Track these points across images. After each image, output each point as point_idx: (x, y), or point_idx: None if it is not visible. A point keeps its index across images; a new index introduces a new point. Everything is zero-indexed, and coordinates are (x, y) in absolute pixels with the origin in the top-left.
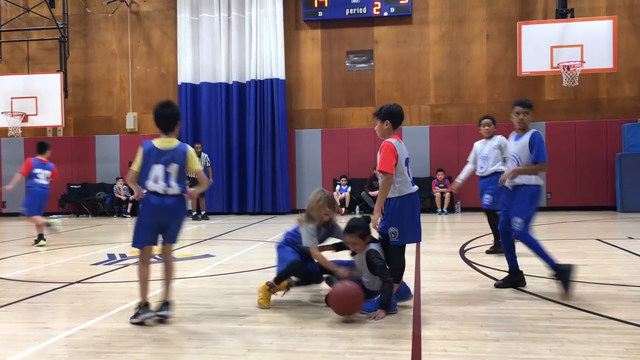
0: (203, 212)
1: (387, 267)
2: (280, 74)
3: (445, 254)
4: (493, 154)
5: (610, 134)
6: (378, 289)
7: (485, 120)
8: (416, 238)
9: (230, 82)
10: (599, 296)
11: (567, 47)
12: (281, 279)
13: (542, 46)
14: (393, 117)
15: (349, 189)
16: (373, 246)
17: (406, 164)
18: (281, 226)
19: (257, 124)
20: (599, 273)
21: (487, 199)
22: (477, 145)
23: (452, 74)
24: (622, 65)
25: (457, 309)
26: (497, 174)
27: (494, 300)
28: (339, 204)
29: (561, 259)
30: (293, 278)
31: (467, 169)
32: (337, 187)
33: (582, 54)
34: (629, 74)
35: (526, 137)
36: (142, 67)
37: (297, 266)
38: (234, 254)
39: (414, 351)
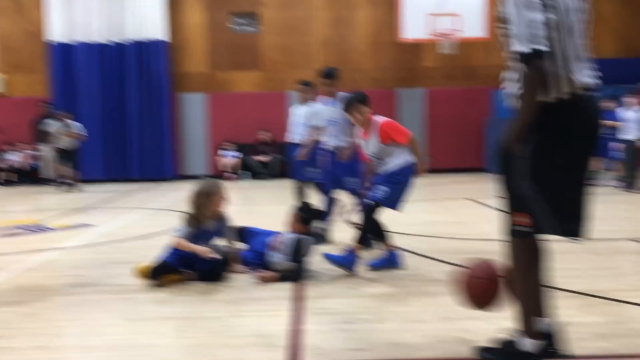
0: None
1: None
2: (163, 35)
3: None
4: None
5: (482, 100)
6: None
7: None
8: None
9: (108, 42)
10: (466, 251)
11: (444, 15)
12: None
13: (420, 14)
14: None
15: (240, 155)
16: (309, 239)
17: None
18: (166, 192)
19: (139, 87)
20: (469, 229)
21: None
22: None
23: (337, 39)
24: (496, 34)
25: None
26: None
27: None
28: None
29: (437, 218)
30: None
31: None
32: (223, 152)
33: (458, 22)
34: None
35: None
36: (8, 24)
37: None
38: (114, 222)
39: (295, 311)
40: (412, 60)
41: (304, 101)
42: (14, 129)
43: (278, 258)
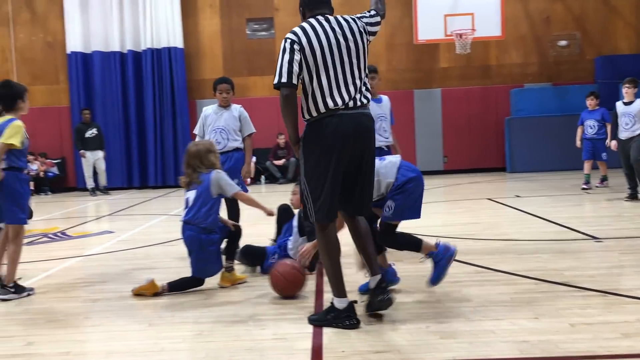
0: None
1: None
2: (178, 42)
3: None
4: None
5: (499, 99)
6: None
7: None
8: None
9: (125, 51)
10: (488, 251)
11: (459, 15)
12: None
13: (436, 15)
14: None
15: (254, 158)
16: None
17: None
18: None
19: (156, 95)
20: (489, 229)
21: None
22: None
23: None
24: (509, 33)
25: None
26: None
27: (392, 259)
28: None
29: (455, 218)
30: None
31: None
32: None
33: (473, 22)
34: (516, 41)
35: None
36: (26, 35)
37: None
38: (135, 229)
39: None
40: (427, 61)
41: None
42: (33, 138)
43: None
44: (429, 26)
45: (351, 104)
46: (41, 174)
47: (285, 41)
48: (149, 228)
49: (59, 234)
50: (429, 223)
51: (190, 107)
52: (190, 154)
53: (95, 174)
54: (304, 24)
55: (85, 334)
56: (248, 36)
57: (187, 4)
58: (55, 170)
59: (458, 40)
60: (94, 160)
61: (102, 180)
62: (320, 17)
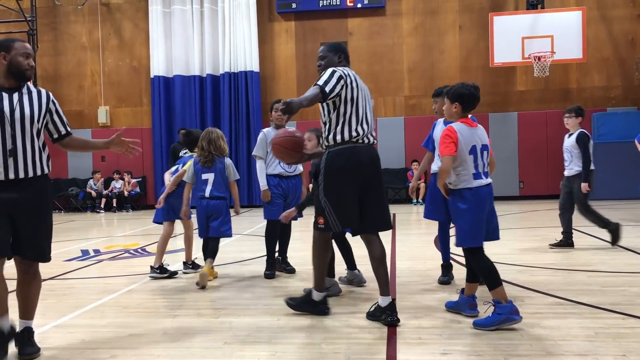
0: None
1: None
2: (255, 66)
3: (420, 244)
4: None
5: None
6: None
7: None
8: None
9: (204, 75)
10: (569, 282)
11: (537, 37)
12: None
13: (513, 37)
14: (465, 100)
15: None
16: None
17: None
18: (257, 219)
19: (232, 117)
20: (570, 259)
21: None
22: None
23: (426, 65)
24: (592, 55)
25: (431, 297)
26: None
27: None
28: None
29: (533, 246)
30: None
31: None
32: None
33: (552, 44)
34: (598, 64)
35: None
36: (114, 60)
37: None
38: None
39: (389, 340)
40: (503, 84)
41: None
42: (118, 158)
43: None
44: (506, 49)
45: (369, 138)
46: (125, 192)
47: (336, 71)
48: (223, 247)
49: (139, 250)
50: (504, 250)
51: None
52: (210, 139)
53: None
54: (347, 70)
55: (166, 349)
56: None
57: (264, 29)
58: (137, 188)
59: (536, 63)
60: None
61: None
62: (350, 69)
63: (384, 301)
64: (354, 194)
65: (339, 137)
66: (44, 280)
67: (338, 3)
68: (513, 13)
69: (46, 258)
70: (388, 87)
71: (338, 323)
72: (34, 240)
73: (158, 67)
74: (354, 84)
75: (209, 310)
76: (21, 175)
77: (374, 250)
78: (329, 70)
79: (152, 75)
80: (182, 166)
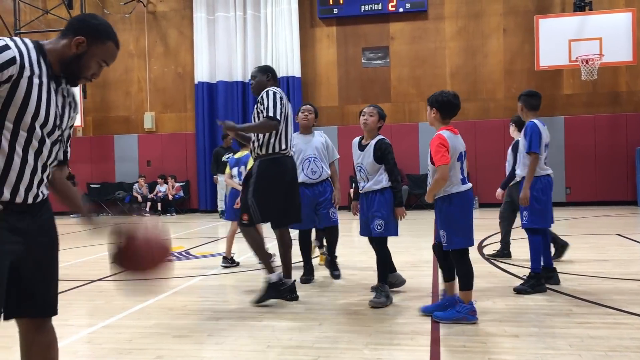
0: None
1: None
2: (296, 72)
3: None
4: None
5: (630, 127)
6: (380, 188)
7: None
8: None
9: (247, 81)
10: (620, 291)
11: (585, 40)
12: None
13: (559, 40)
14: (441, 105)
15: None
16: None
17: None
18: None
19: None
20: (620, 268)
21: None
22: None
23: (469, 69)
24: None
25: (475, 304)
26: None
27: (512, 295)
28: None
29: (582, 254)
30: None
31: None
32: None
33: (600, 47)
34: None
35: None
36: (159, 66)
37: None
38: (251, 252)
39: (432, 347)
40: (549, 88)
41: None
42: (163, 162)
43: (365, 182)
44: (552, 52)
45: (291, 150)
46: (170, 196)
47: (276, 93)
48: None
49: (183, 253)
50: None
51: None
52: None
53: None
54: (278, 90)
55: (210, 351)
56: (363, 65)
57: (305, 35)
58: (180, 192)
59: (584, 66)
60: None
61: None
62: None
63: (288, 282)
64: (278, 196)
65: (270, 149)
66: (93, 281)
67: (380, 8)
68: (560, 15)
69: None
70: (430, 92)
71: (381, 328)
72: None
73: (202, 74)
74: (286, 102)
75: (252, 313)
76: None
77: (285, 239)
78: (270, 93)
79: (196, 82)
80: (245, 167)
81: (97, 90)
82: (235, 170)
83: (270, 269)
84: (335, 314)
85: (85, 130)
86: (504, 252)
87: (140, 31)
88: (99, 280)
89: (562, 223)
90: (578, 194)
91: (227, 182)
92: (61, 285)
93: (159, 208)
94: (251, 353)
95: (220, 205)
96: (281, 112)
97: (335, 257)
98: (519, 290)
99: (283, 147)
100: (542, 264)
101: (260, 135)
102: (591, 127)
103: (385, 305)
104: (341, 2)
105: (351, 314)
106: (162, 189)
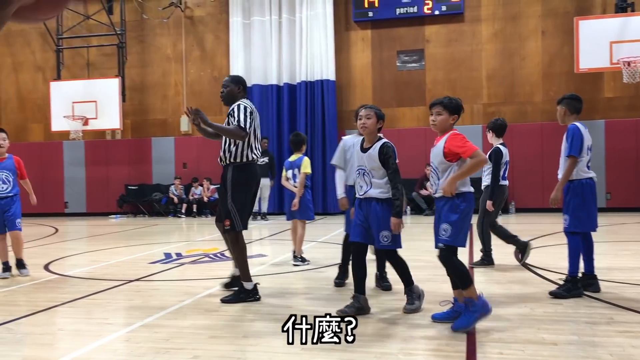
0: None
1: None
2: (331, 75)
3: (499, 255)
4: None
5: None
6: (387, 198)
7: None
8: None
9: (281, 84)
10: None
11: (627, 42)
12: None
13: (600, 42)
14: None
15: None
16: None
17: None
18: (330, 227)
19: (308, 125)
20: None
21: None
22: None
23: (506, 72)
24: None
25: (512, 310)
26: None
27: (551, 302)
28: None
29: (623, 262)
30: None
31: None
32: None
33: None
34: None
35: None
36: (196, 70)
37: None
38: (285, 254)
39: (468, 353)
40: (589, 91)
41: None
42: (198, 165)
43: (368, 186)
44: (592, 54)
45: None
46: (205, 198)
47: (247, 108)
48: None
49: (218, 255)
50: (550, 259)
51: (340, 137)
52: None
53: (259, 199)
54: (249, 102)
55: (245, 352)
56: (398, 68)
57: (340, 38)
58: (215, 194)
59: (626, 68)
60: (260, 186)
61: (264, 207)
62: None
63: (249, 285)
64: (251, 199)
65: (244, 158)
66: (130, 281)
67: (415, 11)
68: (600, 17)
69: None
70: (466, 95)
71: (415, 334)
72: None
73: None
74: (256, 115)
75: (285, 315)
76: None
77: (242, 242)
78: (242, 107)
79: None
80: (298, 170)
81: (135, 94)
82: (290, 173)
83: (247, 277)
84: (367, 318)
85: (124, 132)
86: (484, 261)
87: (178, 36)
88: (137, 280)
89: (602, 229)
90: (619, 199)
91: (283, 184)
92: (100, 284)
93: (195, 210)
94: (286, 355)
95: (254, 208)
96: (251, 125)
97: (385, 272)
98: (555, 294)
99: (253, 156)
100: (582, 269)
101: (233, 147)
102: (633, 130)
103: (419, 310)
104: (376, 5)
105: (385, 318)
106: (197, 191)
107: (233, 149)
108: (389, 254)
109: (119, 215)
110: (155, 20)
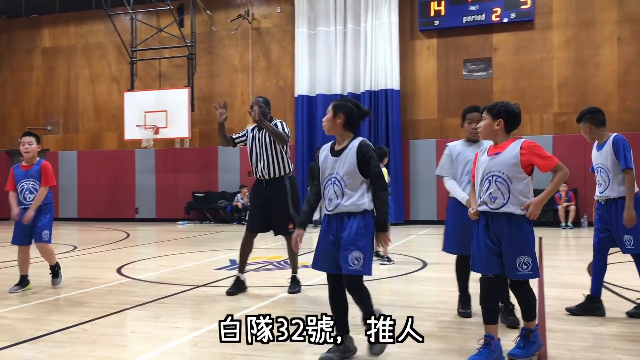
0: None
1: None
2: (395, 84)
3: (571, 271)
4: None
5: None
6: (362, 210)
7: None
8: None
9: (345, 93)
10: None
11: None
12: None
13: None
14: (509, 116)
15: None
16: None
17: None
18: (393, 237)
19: (372, 134)
20: None
21: None
22: None
23: (578, 80)
24: None
25: (586, 329)
26: None
27: (628, 321)
28: None
29: None
30: None
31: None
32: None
33: None
34: None
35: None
36: (262, 80)
37: None
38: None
39: None
40: None
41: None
42: None
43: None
44: None
45: None
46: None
47: (286, 125)
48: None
49: (282, 263)
50: (626, 276)
51: (404, 147)
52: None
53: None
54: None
55: (310, 356)
56: (464, 77)
57: (405, 47)
58: None
59: None
60: None
61: (315, 215)
62: None
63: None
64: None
65: (289, 170)
66: (198, 286)
67: (483, 18)
68: None
69: None
70: (535, 104)
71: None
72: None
73: (302, 87)
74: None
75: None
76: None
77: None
78: (284, 124)
79: (296, 95)
80: None
81: (203, 104)
82: None
83: (242, 269)
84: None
85: (192, 141)
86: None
87: (245, 47)
88: (204, 285)
89: None
90: None
91: None
92: (169, 289)
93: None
94: None
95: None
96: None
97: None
98: (632, 315)
99: (291, 168)
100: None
101: (280, 161)
102: None
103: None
104: (443, 13)
105: (435, 328)
106: (240, 199)
107: (281, 162)
108: (355, 282)
109: (186, 222)
110: (223, 32)
